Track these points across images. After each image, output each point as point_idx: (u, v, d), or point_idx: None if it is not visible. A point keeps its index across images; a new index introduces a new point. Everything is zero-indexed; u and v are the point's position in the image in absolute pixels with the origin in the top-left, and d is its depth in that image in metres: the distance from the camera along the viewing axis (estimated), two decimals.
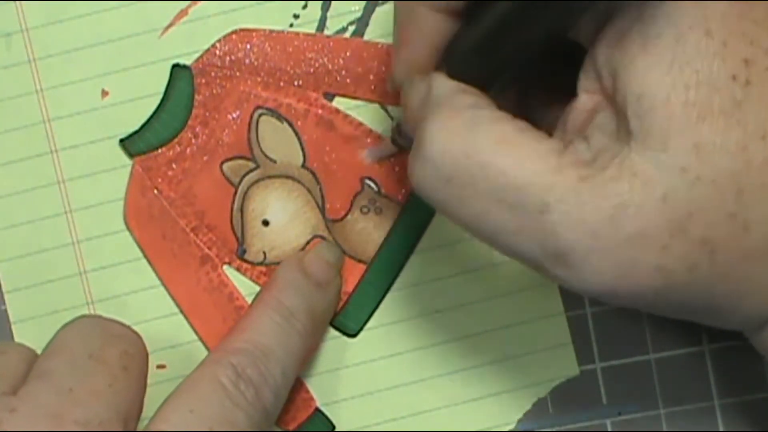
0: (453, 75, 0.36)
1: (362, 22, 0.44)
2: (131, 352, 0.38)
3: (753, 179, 0.31)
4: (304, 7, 0.44)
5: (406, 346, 0.44)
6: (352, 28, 0.44)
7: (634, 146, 0.31)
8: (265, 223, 0.43)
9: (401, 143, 0.42)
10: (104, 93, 0.43)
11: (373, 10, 0.44)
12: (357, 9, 0.43)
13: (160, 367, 0.43)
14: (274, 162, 0.44)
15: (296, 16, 0.44)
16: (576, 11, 0.32)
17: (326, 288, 0.41)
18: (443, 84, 0.35)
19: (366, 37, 0.44)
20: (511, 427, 0.44)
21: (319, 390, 0.44)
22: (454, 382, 0.44)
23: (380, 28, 0.43)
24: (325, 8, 0.44)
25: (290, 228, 0.44)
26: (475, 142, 0.33)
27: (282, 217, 0.44)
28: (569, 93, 0.34)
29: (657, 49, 0.31)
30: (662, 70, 0.31)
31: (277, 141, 0.44)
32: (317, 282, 0.41)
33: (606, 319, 0.44)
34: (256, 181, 0.44)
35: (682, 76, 0.31)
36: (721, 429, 0.44)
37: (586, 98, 0.34)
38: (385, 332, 0.44)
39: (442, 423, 0.44)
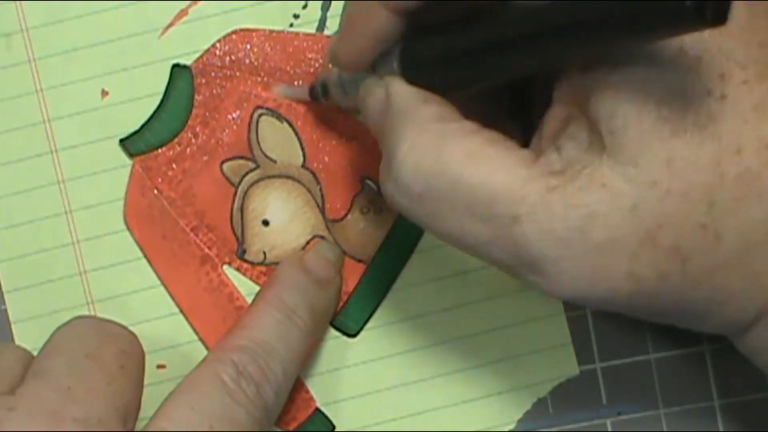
0: (412, 81, 0.35)
1: None
2: (128, 351, 0.39)
3: (726, 193, 0.31)
4: (304, 7, 0.44)
5: (406, 346, 0.44)
6: None
7: (605, 159, 0.32)
8: (265, 223, 0.43)
9: (318, 97, 0.42)
10: (104, 93, 0.43)
11: None
12: None
13: (160, 367, 0.43)
14: (274, 162, 0.44)
15: (296, 16, 0.44)
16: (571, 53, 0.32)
17: (327, 286, 0.41)
18: (403, 92, 0.35)
19: None
20: (511, 427, 0.44)
21: (319, 390, 0.44)
22: (454, 382, 0.44)
23: None
24: (325, 8, 0.44)
25: (290, 228, 0.44)
26: (444, 159, 0.33)
27: (282, 217, 0.44)
28: (546, 100, 0.35)
29: (629, 67, 0.32)
30: (634, 87, 0.31)
31: (277, 141, 0.44)
32: (318, 280, 0.41)
33: (606, 319, 0.44)
34: (256, 181, 0.44)
35: (655, 92, 0.31)
36: (721, 429, 0.44)
37: (560, 108, 0.34)
38: (385, 332, 0.44)
39: (442, 423, 0.44)
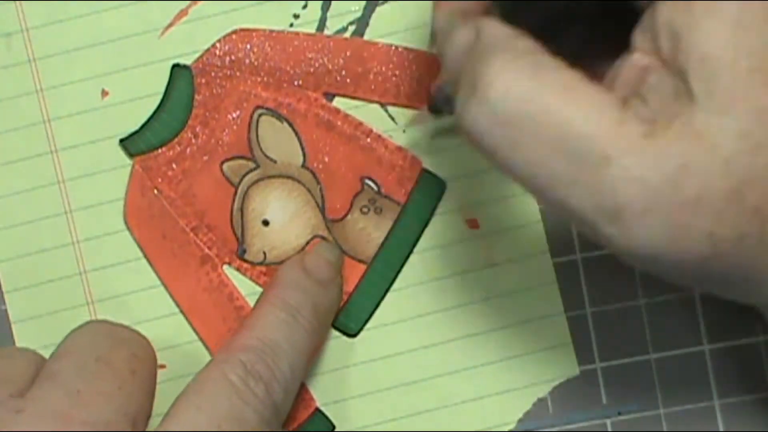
0: (506, 22, 0.34)
1: (362, 22, 0.44)
2: (140, 356, 0.39)
3: None
4: (304, 7, 0.44)
5: (406, 346, 0.44)
6: (352, 28, 0.44)
7: (698, 109, 0.30)
8: (265, 223, 0.43)
9: (441, 108, 0.39)
10: (104, 93, 0.43)
11: (373, 10, 0.44)
12: (357, 9, 0.43)
13: (161, 366, 0.43)
14: (274, 162, 0.44)
15: (296, 16, 0.44)
16: None
17: (328, 286, 0.41)
18: (496, 29, 0.34)
19: (366, 37, 0.44)
20: (511, 426, 0.44)
21: (319, 390, 0.44)
22: (454, 382, 0.44)
23: (380, 27, 0.43)
24: (325, 8, 0.44)
25: (290, 228, 0.44)
26: (540, 86, 0.31)
27: (282, 217, 0.44)
28: (615, 48, 0.33)
29: (722, 12, 0.30)
30: (727, 33, 0.30)
31: (277, 141, 0.44)
32: (319, 280, 0.41)
33: (606, 319, 0.44)
34: (256, 181, 0.44)
35: (747, 41, 0.30)
36: (721, 429, 0.44)
37: (639, 56, 0.32)
38: (385, 332, 0.44)
39: (442, 423, 0.44)
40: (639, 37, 0.33)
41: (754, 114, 0.30)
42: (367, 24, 0.44)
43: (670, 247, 0.31)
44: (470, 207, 0.44)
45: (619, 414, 0.44)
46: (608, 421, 0.44)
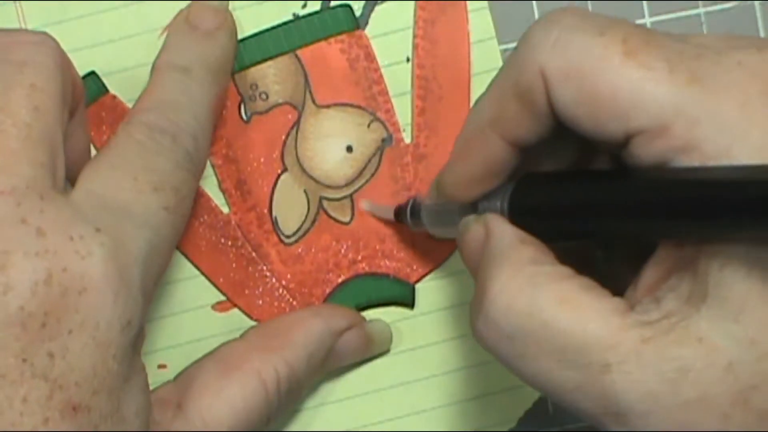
0: (516, 222, 0.36)
1: (362, 21, 0.44)
2: (39, 84, 0.34)
3: None
4: (304, 6, 0.43)
5: (406, 345, 0.44)
6: None
7: (704, 312, 0.31)
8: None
9: (405, 220, 0.42)
10: None
11: (372, 9, 0.43)
12: (356, 8, 0.43)
13: (161, 367, 0.43)
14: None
15: (296, 16, 0.43)
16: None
17: (216, 34, 0.41)
18: (503, 232, 0.35)
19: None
20: (512, 426, 0.44)
21: (319, 389, 0.44)
22: (454, 381, 0.44)
23: (379, 26, 0.43)
24: (325, 7, 0.43)
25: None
26: (537, 301, 0.33)
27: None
28: (641, 250, 0.34)
29: None
30: (748, 246, 0.31)
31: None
32: (205, 32, 0.41)
33: None
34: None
35: (764, 254, 0.31)
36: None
37: (664, 258, 0.33)
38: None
39: (443, 422, 0.44)
40: (665, 241, 0.33)
41: (763, 324, 0.31)
42: (366, 23, 0.44)
43: None
44: None
45: None
46: None
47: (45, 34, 0.35)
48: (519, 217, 0.36)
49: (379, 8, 0.43)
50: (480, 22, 0.43)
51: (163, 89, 0.39)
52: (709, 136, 0.31)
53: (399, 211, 0.42)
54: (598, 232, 0.34)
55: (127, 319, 0.33)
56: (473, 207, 0.37)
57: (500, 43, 0.43)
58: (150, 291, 0.35)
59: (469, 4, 0.43)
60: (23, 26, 0.43)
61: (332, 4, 0.43)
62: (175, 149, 0.37)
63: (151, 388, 0.39)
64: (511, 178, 0.36)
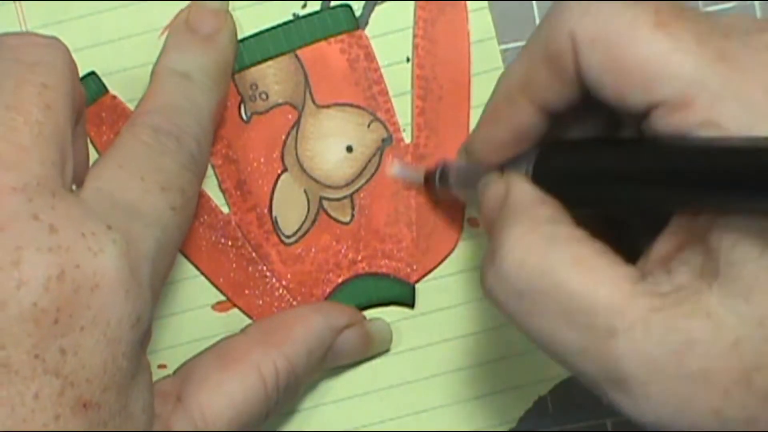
0: (537, 182, 0.36)
1: (362, 21, 0.44)
2: (50, 83, 0.34)
3: None
4: (304, 6, 0.43)
5: (406, 345, 0.44)
6: None
7: (715, 289, 0.31)
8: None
9: (433, 184, 0.42)
10: None
11: (372, 9, 0.43)
12: (356, 8, 0.43)
13: (161, 367, 0.43)
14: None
15: (296, 16, 0.43)
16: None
17: (216, 37, 0.41)
18: (523, 191, 0.36)
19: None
20: (512, 425, 0.44)
21: (320, 389, 0.44)
22: (454, 381, 0.44)
23: (379, 26, 0.43)
24: (325, 7, 0.43)
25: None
26: (550, 260, 0.33)
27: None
28: (657, 221, 0.34)
29: None
30: (762, 224, 0.31)
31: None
32: (205, 35, 0.41)
33: None
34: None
35: None
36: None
37: (677, 231, 0.33)
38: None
39: (443, 422, 0.44)
40: (678, 215, 0.33)
41: None
42: (366, 23, 0.44)
43: (676, 418, 0.32)
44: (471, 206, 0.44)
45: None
46: (608, 421, 0.44)
47: (54, 37, 0.36)
48: (542, 180, 0.36)
49: (379, 8, 0.43)
50: (480, 22, 0.43)
51: (165, 93, 0.39)
52: (731, 114, 0.31)
53: (428, 175, 0.42)
54: (616, 199, 0.34)
55: (137, 316, 0.33)
56: (500, 170, 0.37)
57: (500, 43, 0.43)
58: (157, 290, 0.35)
59: (469, 4, 0.43)
60: (23, 26, 0.43)
61: (332, 4, 0.43)
62: (180, 151, 0.37)
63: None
64: (539, 144, 0.37)
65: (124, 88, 0.43)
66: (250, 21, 0.43)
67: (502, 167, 0.37)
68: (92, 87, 0.43)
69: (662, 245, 0.34)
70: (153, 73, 0.40)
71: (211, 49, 0.41)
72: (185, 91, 0.39)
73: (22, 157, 0.32)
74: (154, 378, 0.37)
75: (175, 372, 0.40)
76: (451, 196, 0.42)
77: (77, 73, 0.36)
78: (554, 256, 0.33)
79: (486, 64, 0.43)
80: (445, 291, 0.44)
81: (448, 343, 0.44)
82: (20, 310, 0.31)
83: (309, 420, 0.44)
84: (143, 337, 0.34)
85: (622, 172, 0.34)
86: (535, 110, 0.36)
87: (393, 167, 0.44)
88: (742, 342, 0.31)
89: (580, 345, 0.33)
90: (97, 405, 0.32)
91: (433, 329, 0.44)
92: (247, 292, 0.43)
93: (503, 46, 0.43)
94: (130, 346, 0.33)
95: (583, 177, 0.35)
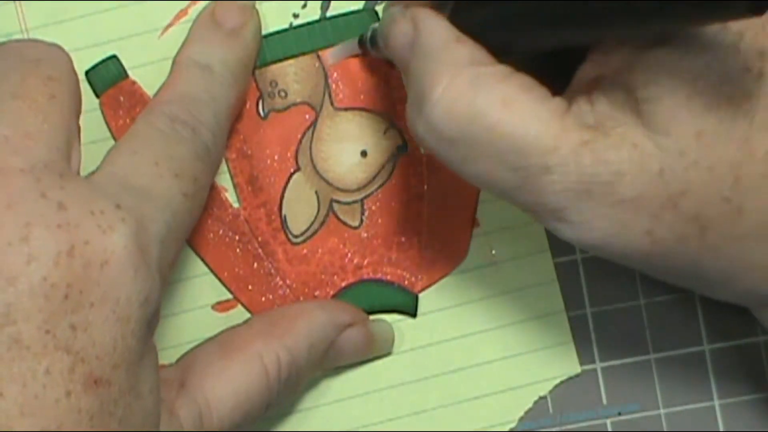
0: (454, 23, 0.35)
1: None
2: (55, 76, 0.35)
3: (753, 169, 0.32)
4: (304, 6, 0.43)
5: (406, 345, 0.44)
6: None
7: (638, 122, 0.33)
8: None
9: (369, 50, 0.42)
10: None
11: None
12: (357, 9, 0.43)
13: (161, 366, 0.43)
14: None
15: (296, 16, 0.44)
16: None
17: (240, 32, 0.41)
18: (434, 27, 0.36)
19: None
20: (513, 425, 0.44)
21: (321, 389, 0.44)
22: (454, 380, 0.44)
23: None
24: (325, 8, 0.43)
25: None
26: (478, 105, 0.34)
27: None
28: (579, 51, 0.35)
29: (673, 39, 0.32)
30: (672, 59, 0.32)
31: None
32: (230, 30, 0.41)
33: (606, 319, 0.44)
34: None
35: (693, 66, 0.32)
36: (721, 429, 0.44)
37: (593, 66, 0.34)
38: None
39: (443, 422, 0.44)
40: (594, 50, 0.34)
41: (693, 136, 0.32)
42: None
43: (612, 240, 0.34)
44: None
45: (619, 414, 0.44)
46: (608, 421, 0.44)
47: (57, 44, 0.36)
48: (463, 19, 0.35)
49: (379, 9, 0.43)
50: None
51: (184, 83, 0.39)
52: None
53: (361, 40, 0.42)
54: (535, 35, 0.35)
55: (145, 295, 0.33)
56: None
57: None
58: (165, 274, 0.35)
59: None
60: (23, 26, 0.43)
61: (351, 6, 0.43)
62: (195, 140, 0.37)
63: None
64: None
65: None
66: None
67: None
68: (112, 70, 0.43)
69: (583, 75, 0.35)
70: (174, 62, 0.40)
71: (235, 43, 0.41)
72: (205, 83, 0.40)
73: (28, 143, 0.33)
74: None
75: (177, 361, 0.40)
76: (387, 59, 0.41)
77: (77, 78, 0.36)
78: (481, 99, 0.34)
79: None
80: (445, 291, 0.44)
81: (448, 343, 0.44)
82: (30, 285, 0.31)
83: (309, 420, 0.44)
84: (151, 318, 0.34)
85: (540, 8, 0.33)
86: None
87: (330, 54, 0.43)
88: (667, 171, 0.33)
89: (516, 183, 0.34)
90: (108, 382, 0.32)
91: (433, 330, 0.44)
92: (250, 287, 0.43)
93: None
94: (139, 325, 0.33)
95: (499, 18, 0.35)
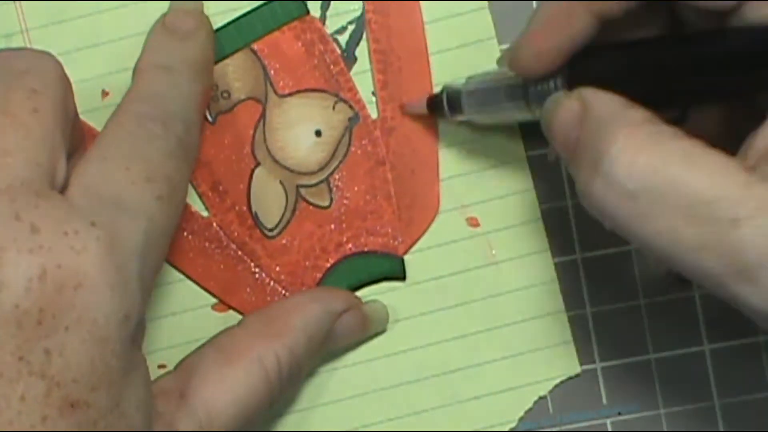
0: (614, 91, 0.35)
1: (362, 21, 0.44)
2: (39, 89, 0.34)
3: None
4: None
5: (406, 345, 0.44)
6: (351, 27, 0.44)
7: None
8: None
9: (437, 111, 0.42)
10: (104, 93, 0.43)
11: None
12: (356, 8, 0.43)
13: (161, 366, 0.43)
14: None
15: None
16: None
17: (195, 34, 0.41)
18: (606, 100, 0.35)
19: (365, 36, 0.44)
20: (513, 425, 0.44)
21: (320, 389, 0.44)
22: (454, 380, 0.44)
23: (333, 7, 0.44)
24: (325, 8, 0.43)
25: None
26: (661, 157, 0.33)
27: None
28: (744, 111, 0.35)
29: None
30: None
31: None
32: (183, 35, 0.41)
33: (606, 319, 0.44)
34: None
35: None
36: (721, 429, 0.44)
37: None
38: (386, 331, 0.44)
39: (443, 422, 0.44)
40: None
41: None
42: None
43: None
44: (470, 205, 0.44)
45: (619, 414, 0.44)
46: (608, 421, 0.44)
47: (46, 51, 0.36)
48: (622, 84, 0.35)
49: None
50: (480, 22, 0.43)
51: (147, 84, 0.39)
52: None
53: (433, 101, 0.42)
54: (693, 90, 0.35)
55: (125, 313, 0.33)
56: (521, 89, 0.38)
57: (500, 43, 0.43)
58: (149, 283, 0.35)
59: (469, 4, 0.43)
60: (23, 26, 0.43)
61: (350, 6, 0.43)
62: (166, 136, 0.37)
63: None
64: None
65: (124, 88, 0.43)
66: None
67: (525, 87, 0.38)
68: None
69: (760, 141, 0.33)
70: (135, 70, 0.40)
71: (191, 44, 0.41)
72: (169, 81, 0.40)
73: (6, 160, 0.33)
74: (154, 377, 0.37)
75: (175, 368, 0.40)
76: (455, 122, 0.42)
77: (69, 83, 0.36)
78: (664, 152, 0.33)
79: (486, 64, 0.43)
80: (445, 291, 0.44)
81: (448, 343, 0.44)
82: (2, 311, 0.31)
83: (308, 420, 0.44)
84: (134, 334, 0.33)
85: (704, 58, 0.33)
86: (592, 18, 0.36)
87: (406, 108, 0.43)
88: None
89: (700, 240, 0.32)
90: (86, 404, 0.32)
91: (434, 329, 0.44)
92: (238, 291, 0.44)
93: (503, 46, 0.43)
94: (120, 344, 0.32)
95: (637, 74, 0.35)
